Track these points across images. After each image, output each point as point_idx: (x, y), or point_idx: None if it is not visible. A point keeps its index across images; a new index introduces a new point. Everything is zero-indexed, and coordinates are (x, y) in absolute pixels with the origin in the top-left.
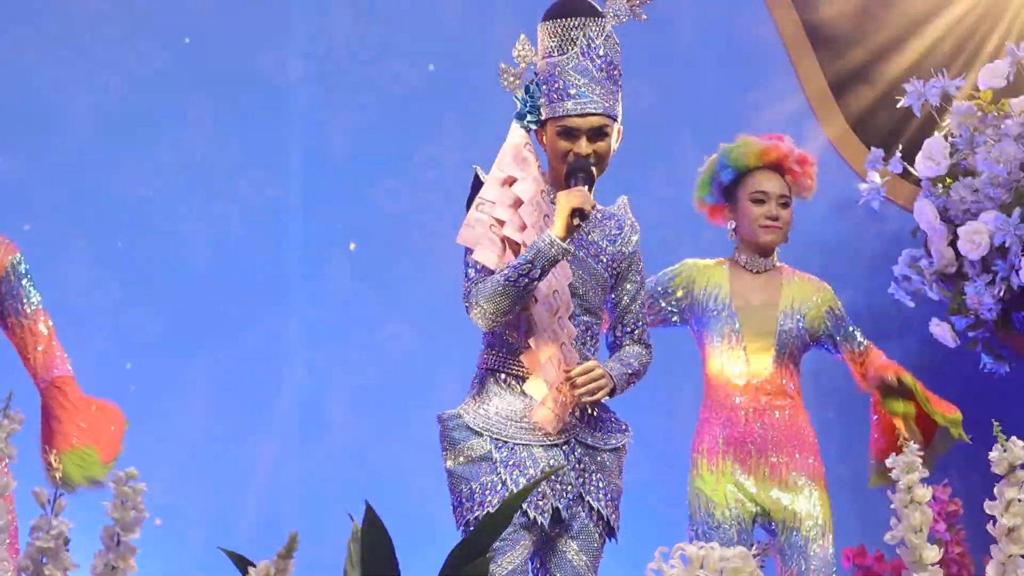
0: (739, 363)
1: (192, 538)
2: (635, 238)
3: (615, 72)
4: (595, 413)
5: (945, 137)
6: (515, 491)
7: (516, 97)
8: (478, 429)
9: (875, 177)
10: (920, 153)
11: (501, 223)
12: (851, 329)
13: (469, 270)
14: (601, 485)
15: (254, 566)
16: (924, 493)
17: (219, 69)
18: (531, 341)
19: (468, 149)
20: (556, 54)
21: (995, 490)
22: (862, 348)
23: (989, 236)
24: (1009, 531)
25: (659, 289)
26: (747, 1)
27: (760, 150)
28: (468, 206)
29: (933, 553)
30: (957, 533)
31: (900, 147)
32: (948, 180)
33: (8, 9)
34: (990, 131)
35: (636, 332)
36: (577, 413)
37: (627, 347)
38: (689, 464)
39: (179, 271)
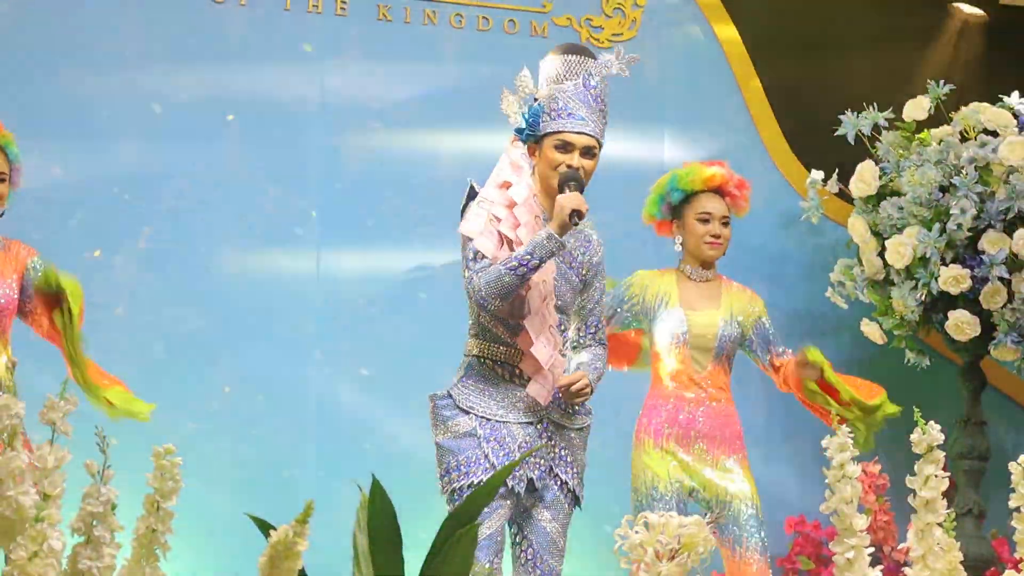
0: (685, 360)
1: (221, 505)
2: (601, 251)
3: (605, 107)
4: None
5: (875, 162)
6: (496, 464)
7: (518, 116)
8: (465, 408)
9: (814, 196)
10: (853, 175)
11: (498, 219)
12: (775, 339)
13: (470, 261)
14: (569, 459)
15: (275, 530)
16: (854, 469)
17: (249, 100)
18: (525, 322)
19: (461, 168)
20: (561, 81)
21: (915, 467)
22: (785, 356)
23: (912, 248)
24: (927, 502)
25: (617, 297)
26: (704, 50)
27: (706, 176)
28: (462, 213)
29: (862, 521)
30: (884, 504)
31: (836, 170)
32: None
33: (71, 44)
34: (914, 157)
35: (597, 334)
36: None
37: (590, 348)
38: (634, 442)
39: (212, 273)
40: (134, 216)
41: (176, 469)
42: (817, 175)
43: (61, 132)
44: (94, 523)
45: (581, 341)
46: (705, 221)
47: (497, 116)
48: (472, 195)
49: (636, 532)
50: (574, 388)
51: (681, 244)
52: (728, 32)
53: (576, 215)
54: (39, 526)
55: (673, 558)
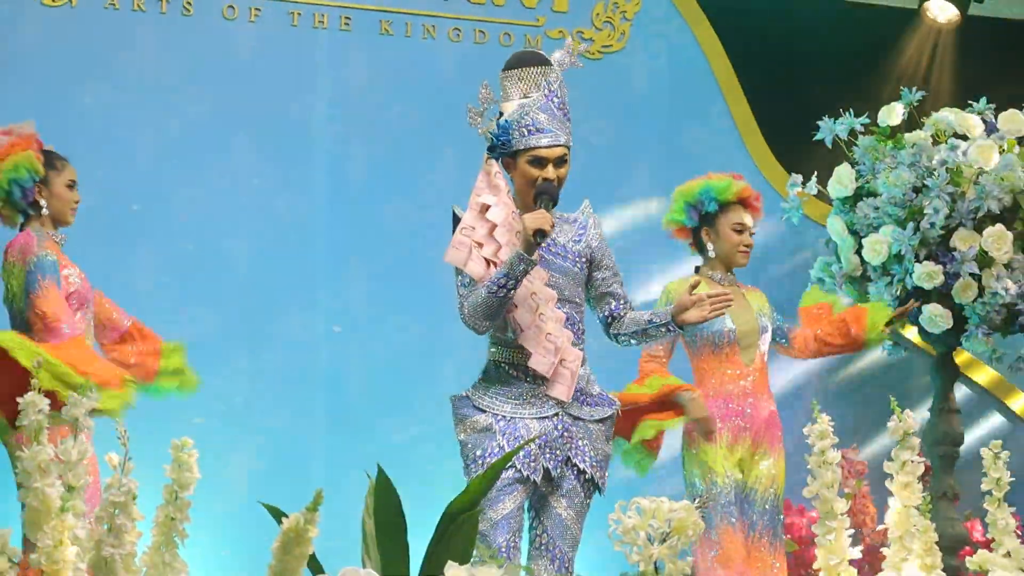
0: (734, 357)
1: (236, 494)
2: (598, 232)
3: (567, 110)
4: (587, 387)
5: (852, 164)
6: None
7: (485, 132)
8: (481, 407)
9: (794, 197)
10: (831, 178)
11: (481, 245)
12: (784, 321)
13: (460, 288)
14: (587, 450)
15: (287, 517)
16: (834, 456)
17: (259, 112)
18: (520, 341)
19: (461, 176)
20: (526, 96)
21: (892, 452)
22: (795, 326)
23: (888, 246)
24: (904, 486)
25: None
26: (689, 54)
27: (739, 189)
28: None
29: (842, 505)
30: (863, 488)
31: (815, 172)
32: (854, 200)
33: (89, 67)
34: (888, 160)
35: (629, 303)
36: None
37: (630, 314)
38: (686, 439)
39: (226, 276)
40: (150, 224)
41: (193, 461)
42: (797, 177)
43: (80, 145)
44: (115, 512)
45: (620, 314)
46: (739, 232)
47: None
48: (456, 221)
49: (629, 517)
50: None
51: (712, 250)
52: (712, 43)
53: (540, 234)
54: (64, 516)
55: (664, 541)
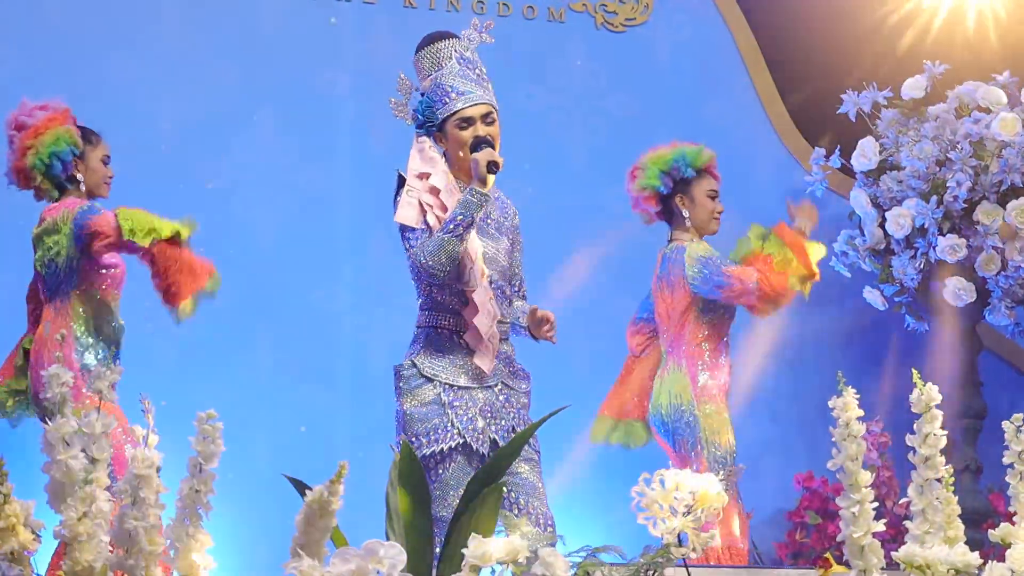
0: (725, 323)
1: (260, 468)
2: (517, 214)
3: (484, 74)
4: (514, 360)
5: (875, 138)
6: (462, 429)
7: (408, 119)
8: (429, 375)
9: (818, 171)
10: (855, 151)
11: (429, 205)
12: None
13: (411, 241)
14: (526, 417)
15: (311, 490)
16: (859, 428)
17: (282, 85)
18: (473, 296)
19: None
20: (437, 71)
21: (915, 425)
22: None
23: (912, 219)
24: (926, 459)
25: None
26: (712, 26)
27: (710, 156)
28: (395, 200)
29: (866, 477)
30: (887, 461)
31: (839, 146)
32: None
33: (113, 37)
34: (912, 133)
35: (522, 290)
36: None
37: (517, 303)
38: (704, 396)
39: (249, 249)
40: (174, 196)
41: (217, 433)
42: (820, 151)
43: (105, 116)
44: (139, 485)
45: (510, 298)
46: (713, 198)
47: (514, 95)
48: (401, 182)
49: (652, 490)
50: (550, 320)
51: (687, 217)
52: (736, 15)
53: (493, 166)
54: (88, 488)
55: (688, 513)
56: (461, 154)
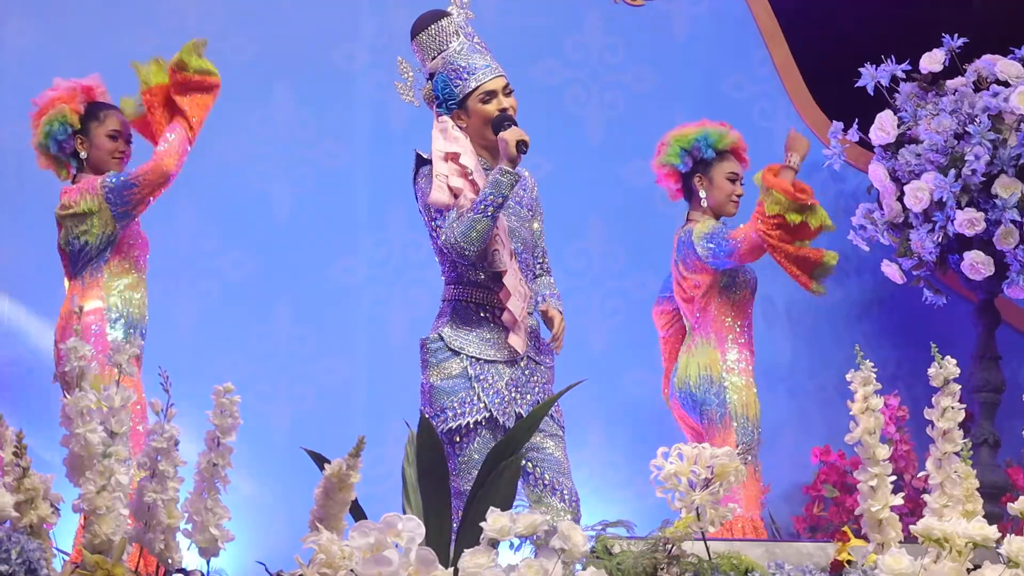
0: (748, 302)
1: (278, 441)
2: (536, 188)
3: (487, 48)
4: (539, 333)
5: (893, 111)
6: (488, 404)
7: (427, 94)
8: (455, 349)
9: (836, 144)
10: (873, 124)
11: (460, 189)
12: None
13: (438, 221)
14: (552, 392)
15: (330, 463)
16: (877, 402)
17: (300, 59)
18: (504, 280)
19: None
20: (444, 49)
21: (933, 399)
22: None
23: (930, 193)
24: (944, 432)
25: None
26: (731, 5)
27: (735, 138)
28: (414, 179)
29: (884, 451)
30: (904, 434)
31: (857, 119)
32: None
33: (132, 15)
34: (930, 107)
35: (546, 264)
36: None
37: (542, 277)
38: (736, 370)
39: (267, 222)
40: (191, 168)
41: (235, 407)
42: (838, 125)
43: (124, 90)
44: (158, 458)
45: (537, 272)
46: (733, 181)
47: (532, 70)
48: (421, 162)
49: (671, 463)
50: (557, 332)
51: (704, 197)
52: None
53: (522, 145)
54: (107, 462)
55: (707, 487)
56: (485, 130)
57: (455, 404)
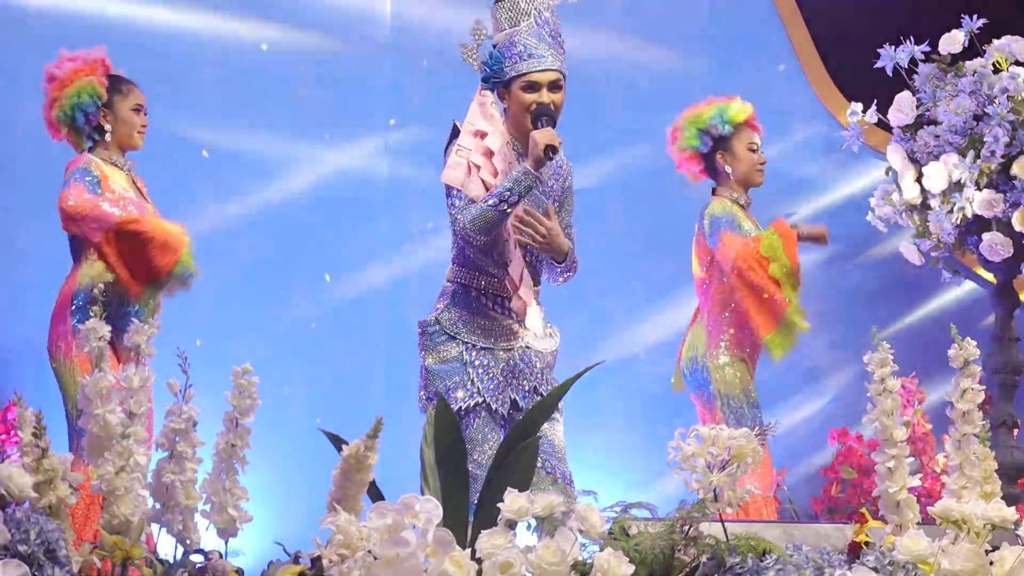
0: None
1: (296, 421)
2: (571, 177)
3: (560, 39)
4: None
5: (912, 92)
6: (481, 389)
7: (480, 65)
8: (452, 333)
9: (855, 126)
10: (892, 106)
11: (478, 167)
12: None
13: (455, 201)
14: (549, 377)
15: (347, 444)
16: (894, 383)
17: (320, 42)
18: (510, 269)
19: None
20: (513, 25)
21: (952, 380)
22: None
23: (948, 174)
24: (963, 414)
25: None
26: None
27: (746, 109)
28: (446, 150)
29: (902, 432)
30: (922, 416)
31: (875, 101)
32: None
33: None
34: (949, 88)
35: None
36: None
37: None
38: (726, 348)
39: (287, 203)
40: (209, 151)
41: (253, 388)
42: (857, 106)
43: (142, 72)
44: (175, 439)
45: (544, 259)
46: (754, 151)
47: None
48: (456, 133)
49: (688, 444)
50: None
51: (729, 173)
52: None
53: (551, 150)
54: (125, 442)
55: (724, 468)
56: (521, 117)
57: (449, 388)
